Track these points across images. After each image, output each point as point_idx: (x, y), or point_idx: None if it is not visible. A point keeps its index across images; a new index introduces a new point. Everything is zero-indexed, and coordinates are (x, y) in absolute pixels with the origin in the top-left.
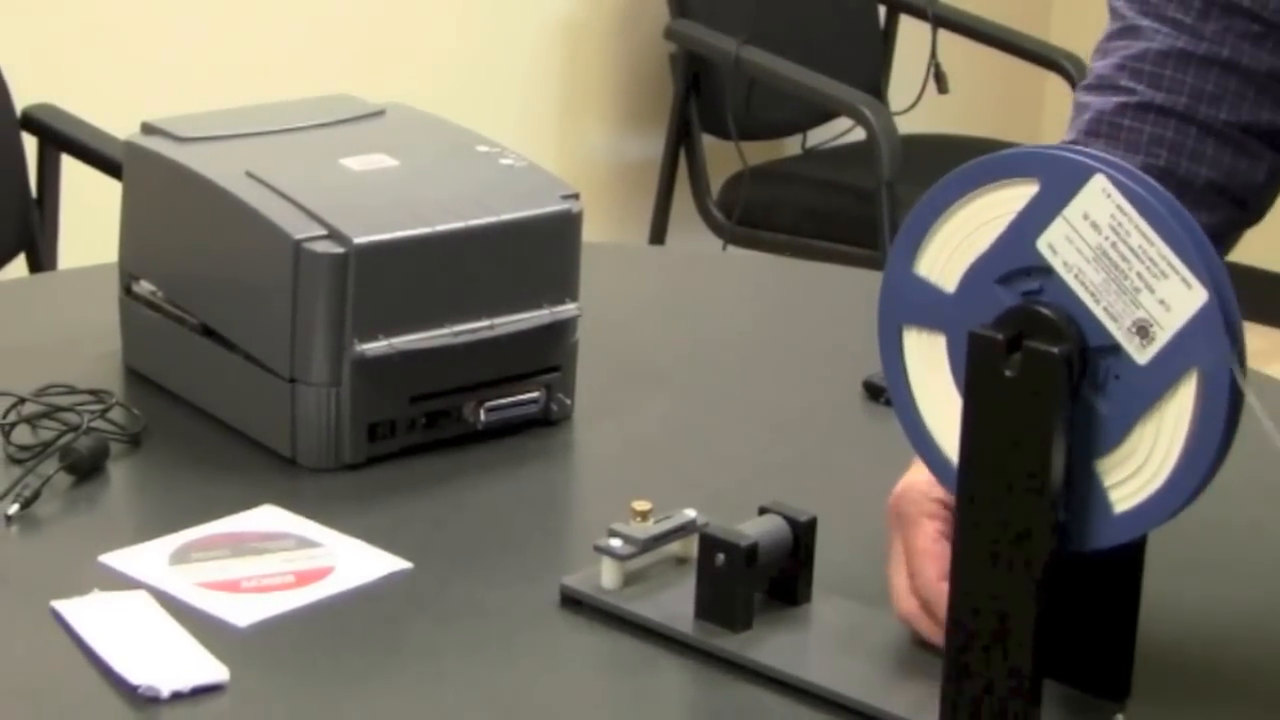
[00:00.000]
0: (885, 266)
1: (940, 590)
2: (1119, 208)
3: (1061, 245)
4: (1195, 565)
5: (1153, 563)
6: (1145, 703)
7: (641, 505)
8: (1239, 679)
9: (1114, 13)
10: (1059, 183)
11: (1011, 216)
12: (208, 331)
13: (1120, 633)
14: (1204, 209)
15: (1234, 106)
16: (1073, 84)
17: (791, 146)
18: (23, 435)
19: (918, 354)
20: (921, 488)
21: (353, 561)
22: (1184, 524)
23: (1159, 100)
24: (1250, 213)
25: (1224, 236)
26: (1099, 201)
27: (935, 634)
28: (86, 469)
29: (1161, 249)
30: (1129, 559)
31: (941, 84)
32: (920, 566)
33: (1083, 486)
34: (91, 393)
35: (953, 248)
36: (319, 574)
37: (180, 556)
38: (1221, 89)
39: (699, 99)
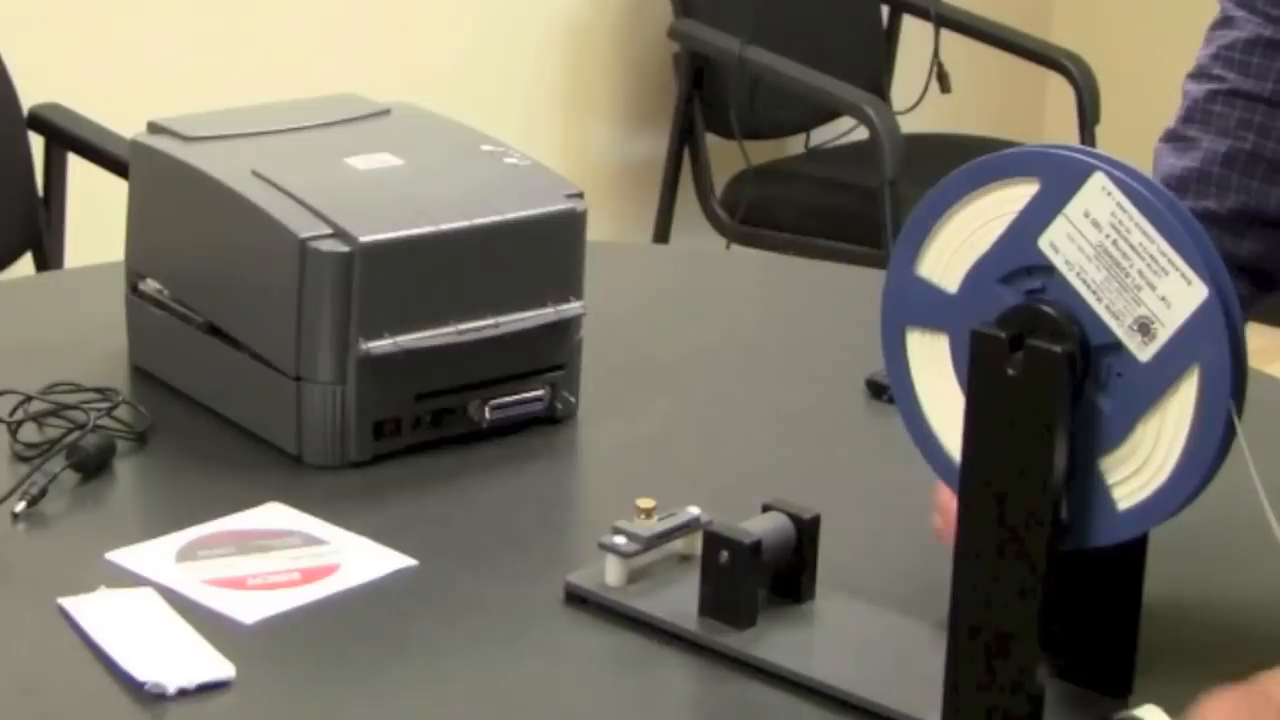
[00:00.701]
0: (887, 269)
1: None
2: (1119, 205)
3: (1063, 243)
4: (1197, 562)
5: (1154, 560)
6: (1147, 699)
7: (645, 503)
8: (1241, 676)
9: (1221, 2)
10: (1059, 181)
11: (1012, 216)
12: (214, 330)
13: (1122, 630)
14: None
15: None
16: (1075, 84)
17: (795, 145)
18: (29, 433)
19: (921, 355)
20: None
21: (358, 559)
22: (1185, 522)
23: (1246, 86)
24: None
25: None
26: (1099, 199)
27: None
28: (93, 467)
29: (1161, 245)
30: (1131, 556)
31: (944, 83)
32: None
33: (1085, 484)
34: (98, 391)
35: (954, 249)
36: (324, 571)
37: (186, 554)
38: None
39: (702, 98)
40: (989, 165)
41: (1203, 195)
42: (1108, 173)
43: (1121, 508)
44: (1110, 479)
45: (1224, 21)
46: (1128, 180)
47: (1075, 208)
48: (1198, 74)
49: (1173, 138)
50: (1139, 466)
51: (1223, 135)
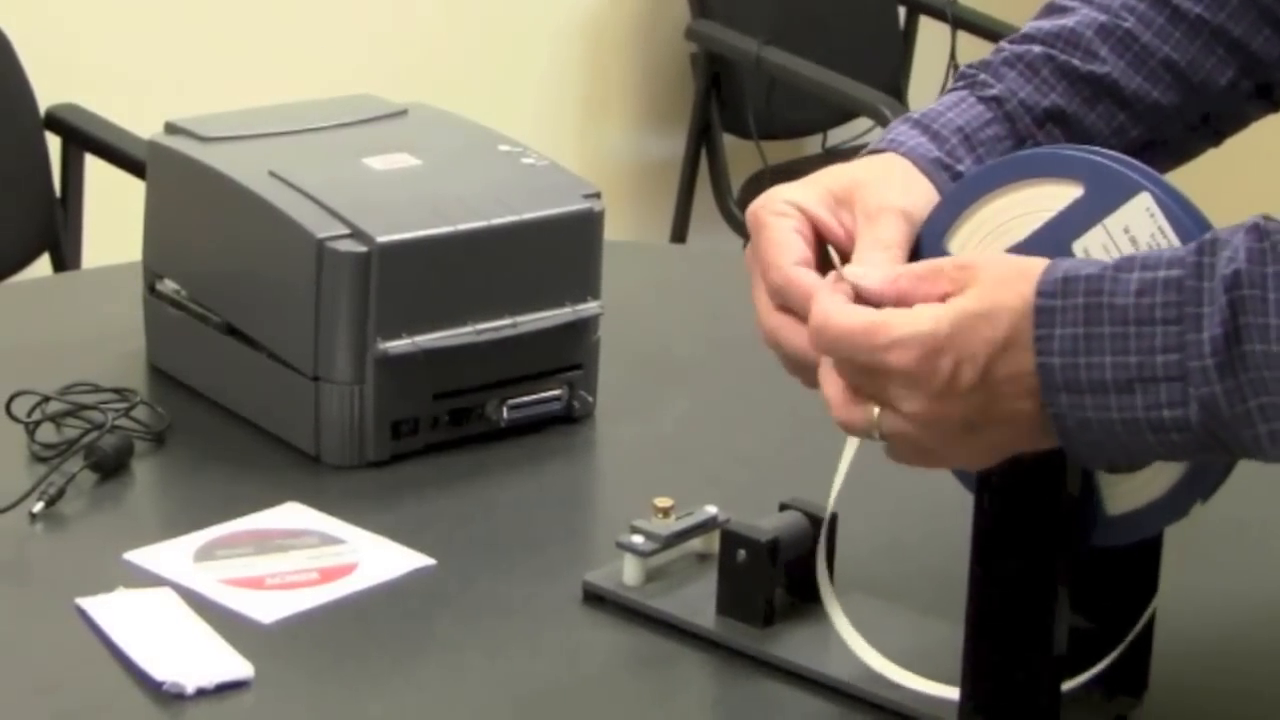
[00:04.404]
0: (917, 237)
1: (794, 276)
2: (1160, 229)
3: (1097, 252)
4: (1211, 561)
5: (1169, 558)
6: (1162, 698)
7: (663, 502)
8: (1256, 675)
9: None
10: (1103, 191)
11: (1050, 214)
12: (231, 330)
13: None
14: (1159, 85)
15: (1211, 7)
16: None
17: (811, 146)
18: (48, 433)
19: None
20: (780, 193)
21: (376, 558)
22: (1200, 520)
23: None
24: (1211, 128)
25: (1173, 129)
26: (1141, 219)
27: (799, 343)
28: (111, 467)
29: None
30: (1146, 554)
31: None
32: (774, 256)
33: (1081, 485)
34: (116, 391)
35: (986, 232)
36: (343, 571)
37: (204, 554)
38: None
39: (720, 99)
40: (1036, 159)
41: (1069, 53)
42: (1155, 195)
43: (1111, 513)
44: (1103, 483)
45: None
46: (1173, 206)
47: (1116, 221)
48: None
49: (1049, 9)
50: (1130, 476)
51: (1103, 11)
